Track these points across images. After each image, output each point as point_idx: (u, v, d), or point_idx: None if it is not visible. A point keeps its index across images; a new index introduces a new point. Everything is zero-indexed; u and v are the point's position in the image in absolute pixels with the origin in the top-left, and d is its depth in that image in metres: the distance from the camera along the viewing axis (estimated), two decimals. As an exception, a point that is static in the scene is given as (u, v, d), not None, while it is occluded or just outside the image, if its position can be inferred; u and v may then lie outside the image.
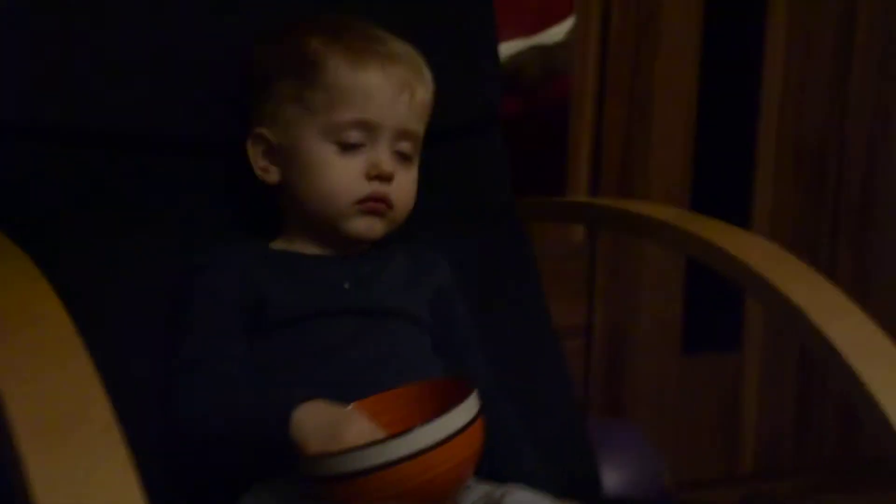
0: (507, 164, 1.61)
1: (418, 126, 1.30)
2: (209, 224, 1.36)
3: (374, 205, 1.26)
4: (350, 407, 1.15)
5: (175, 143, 1.37)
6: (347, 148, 1.25)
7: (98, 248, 1.29)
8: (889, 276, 2.63)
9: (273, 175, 1.30)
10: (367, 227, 1.28)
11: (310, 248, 1.31)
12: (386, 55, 1.27)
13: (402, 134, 1.28)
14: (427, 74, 1.31)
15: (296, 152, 1.27)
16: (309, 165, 1.26)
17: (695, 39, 2.37)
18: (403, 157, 1.29)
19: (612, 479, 1.85)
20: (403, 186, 1.29)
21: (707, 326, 2.48)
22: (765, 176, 2.48)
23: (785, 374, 2.54)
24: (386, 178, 1.26)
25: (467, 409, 1.10)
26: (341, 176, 1.25)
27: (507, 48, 2.19)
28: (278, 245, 1.32)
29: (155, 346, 1.27)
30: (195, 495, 1.22)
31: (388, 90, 1.25)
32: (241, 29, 1.38)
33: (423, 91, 1.30)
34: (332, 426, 1.09)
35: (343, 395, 1.16)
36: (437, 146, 1.41)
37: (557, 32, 2.24)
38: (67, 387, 0.92)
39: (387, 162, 1.26)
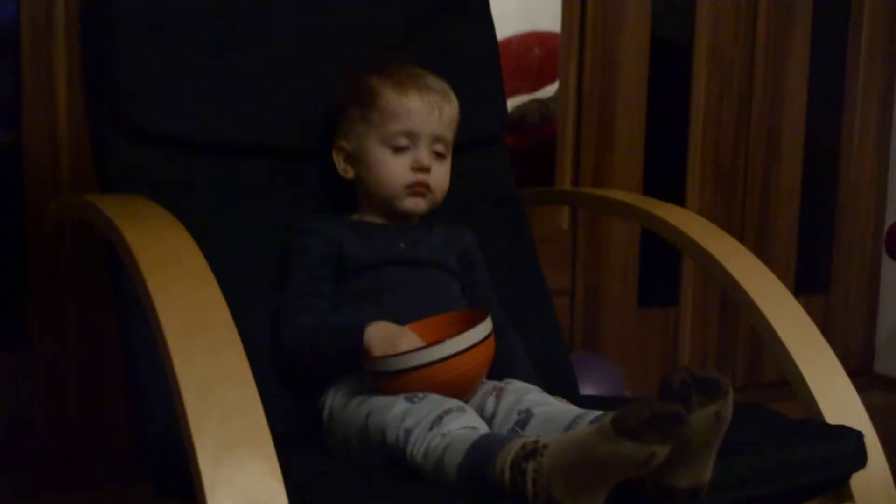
0: (510, 165, 1.57)
1: (448, 133, 1.28)
2: (306, 206, 1.34)
3: (418, 188, 1.26)
4: (405, 327, 1.13)
5: (283, 150, 1.35)
6: (398, 150, 1.25)
7: (230, 220, 1.27)
8: (780, 255, 2.58)
9: (350, 173, 1.29)
10: (414, 204, 1.27)
11: (376, 220, 1.29)
12: (422, 85, 1.26)
13: (436, 139, 1.27)
14: (453, 98, 1.29)
15: (364, 156, 1.27)
16: (373, 164, 1.26)
17: (643, 87, 2.34)
18: (438, 155, 1.28)
19: (588, 392, 1.82)
20: (439, 175, 1.28)
21: (655, 289, 2.43)
22: (693, 184, 2.44)
23: (708, 322, 2.50)
24: (425, 170, 1.25)
25: (482, 329, 1.09)
26: (394, 169, 1.25)
27: (515, 101, 2.17)
28: (354, 217, 1.31)
29: (265, 286, 1.25)
30: (295, 388, 1.20)
31: (424, 109, 1.25)
32: (333, 70, 1.37)
33: (449, 109, 1.28)
34: (391, 338, 1.09)
35: (397, 320, 1.14)
36: (464, 153, 1.39)
37: (549, 90, 2.22)
38: (200, 303, 0.90)
39: (426, 158, 1.25)
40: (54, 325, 1.74)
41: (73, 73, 1.69)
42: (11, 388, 1.72)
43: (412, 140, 1.25)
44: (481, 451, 0.89)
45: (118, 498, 1.73)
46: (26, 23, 1.68)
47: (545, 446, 0.84)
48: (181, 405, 0.82)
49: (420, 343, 1.09)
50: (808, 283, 2.64)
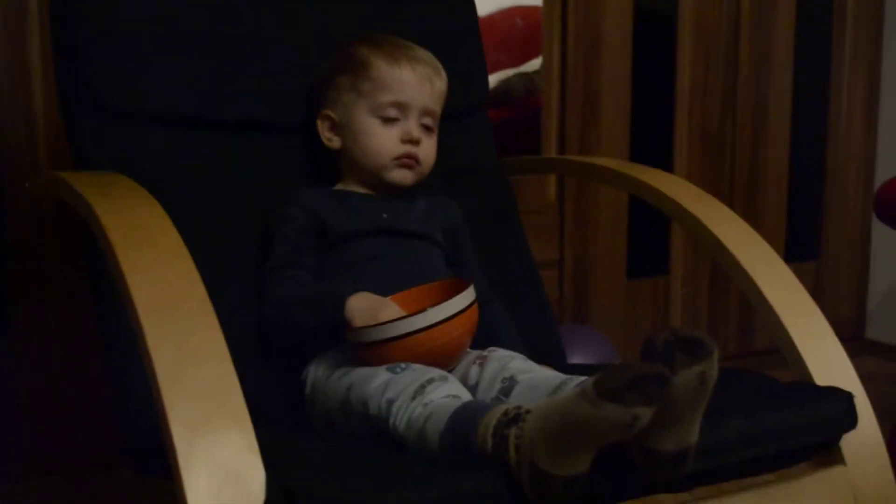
0: (493, 135, 1.55)
1: (437, 107, 1.28)
2: (286, 178, 1.32)
3: (407, 161, 1.25)
4: (387, 298, 1.12)
5: (261, 123, 1.33)
6: (387, 121, 1.24)
7: (208, 195, 1.25)
8: (769, 223, 2.56)
9: (335, 143, 1.28)
10: (402, 175, 1.25)
11: (359, 190, 1.28)
12: (414, 58, 1.25)
13: (426, 112, 1.26)
14: (443, 73, 1.29)
15: (352, 125, 1.25)
16: (361, 134, 1.24)
17: (627, 59, 2.30)
18: (426, 129, 1.27)
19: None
20: (427, 149, 1.27)
21: (644, 259, 2.40)
22: (680, 154, 2.41)
23: (699, 291, 2.48)
24: (415, 142, 1.24)
25: (464, 298, 1.07)
26: (384, 140, 1.24)
27: (500, 75, 2.14)
28: (337, 188, 1.29)
29: (246, 261, 1.23)
30: (277, 364, 1.19)
31: (415, 81, 1.24)
32: (310, 47, 1.36)
33: (440, 83, 1.27)
34: (373, 309, 1.08)
35: (380, 291, 1.13)
36: (446, 125, 1.37)
37: (534, 63, 2.19)
38: (174, 277, 0.88)
39: (415, 130, 1.24)
40: (36, 308, 1.72)
41: (47, 51, 1.66)
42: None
43: (402, 112, 1.24)
44: (463, 420, 0.88)
45: (103, 481, 1.72)
46: (-1, 3, 1.65)
47: (528, 412, 0.82)
48: (154, 381, 0.80)
49: (402, 313, 1.07)
50: (798, 251, 2.61)
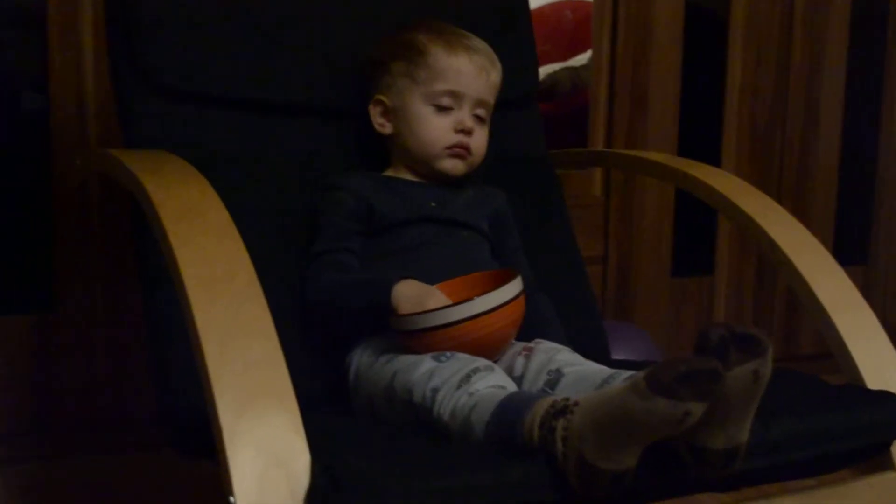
0: (542, 127, 1.54)
1: (490, 98, 1.27)
2: (335, 162, 1.32)
3: (459, 150, 1.24)
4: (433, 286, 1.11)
5: (312, 106, 1.33)
6: (441, 109, 1.23)
7: (256, 177, 1.25)
8: (817, 225, 2.52)
9: (387, 129, 1.27)
10: (453, 165, 1.25)
11: (408, 177, 1.27)
12: (471, 47, 1.25)
13: (480, 103, 1.25)
14: (498, 64, 1.28)
15: (405, 112, 1.25)
16: (414, 121, 1.24)
17: (677, 56, 2.28)
18: (479, 119, 1.26)
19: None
20: (479, 139, 1.26)
21: (689, 257, 2.37)
22: (728, 153, 2.37)
23: (743, 293, 2.45)
24: (467, 132, 1.24)
25: (512, 288, 1.06)
26: (437, 129, 1.23)
27: (547, 69, 2.13)
28: (386, 174, 1.29)
29: (292, 244, 1.23)
30: (320, 349, 1.18)
31: (472, 71, 1.23)
32: (363, 32, 1.36)
33: (495, 74, 1.27)
34: (419, 296, 1.07)
35: (426, 279, 1.12)
36: (496, 114, 1.36)
37: (582, 58, 2.17)
38: (223, 255, 0.88)
39: (469, 120, 1.24)
40: (81, 285, 1.73)
41: (100, 29, 1.67)
42: (38, 349, 1.71)
43: (456, 101, 1.23)
44: (509, 410, 0.86)
45: (144, 460, 1.73)
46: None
47: (576, 404, 0.81)
48: (201, 356, 0.80)
49: (448, 302, 1.06)
50: (846, 254, 2.55)
